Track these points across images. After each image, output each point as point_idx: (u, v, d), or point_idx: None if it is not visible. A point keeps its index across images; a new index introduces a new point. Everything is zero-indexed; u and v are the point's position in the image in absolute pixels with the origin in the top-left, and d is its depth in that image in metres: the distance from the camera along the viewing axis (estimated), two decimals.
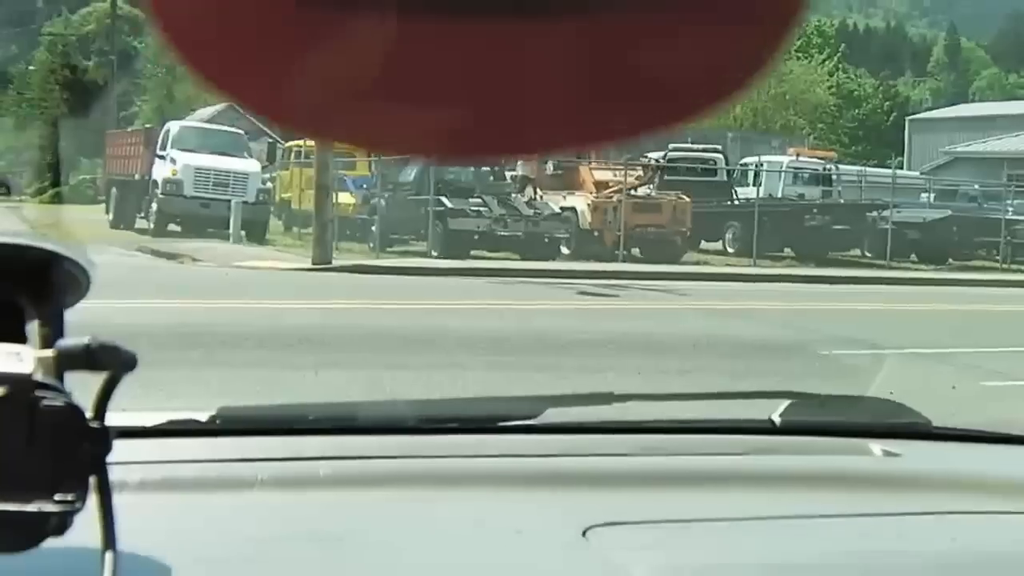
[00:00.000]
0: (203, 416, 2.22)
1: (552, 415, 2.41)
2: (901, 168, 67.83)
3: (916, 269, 36.26)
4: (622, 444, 2.38)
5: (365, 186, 37.32)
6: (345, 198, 34.16)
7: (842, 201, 41.91)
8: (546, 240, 32.24)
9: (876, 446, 2.40)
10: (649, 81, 0.62)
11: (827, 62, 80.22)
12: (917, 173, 53.15)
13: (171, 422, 2.21)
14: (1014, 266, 38.75)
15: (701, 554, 1.84)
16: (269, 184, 38.69)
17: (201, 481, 2.00)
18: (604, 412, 2.51)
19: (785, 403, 2.52)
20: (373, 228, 33.03)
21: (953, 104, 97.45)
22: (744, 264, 33.89)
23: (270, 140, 40.76)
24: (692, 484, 2.17)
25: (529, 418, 2.36)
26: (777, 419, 2.45)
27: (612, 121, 0.64)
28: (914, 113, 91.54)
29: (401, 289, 22.49)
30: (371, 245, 32.55)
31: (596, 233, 33.62)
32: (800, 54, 79.56)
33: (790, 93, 76.24)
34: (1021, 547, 2.00)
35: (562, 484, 2.11)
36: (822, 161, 46.20)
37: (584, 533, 1.80)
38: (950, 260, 38.93)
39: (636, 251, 33.93)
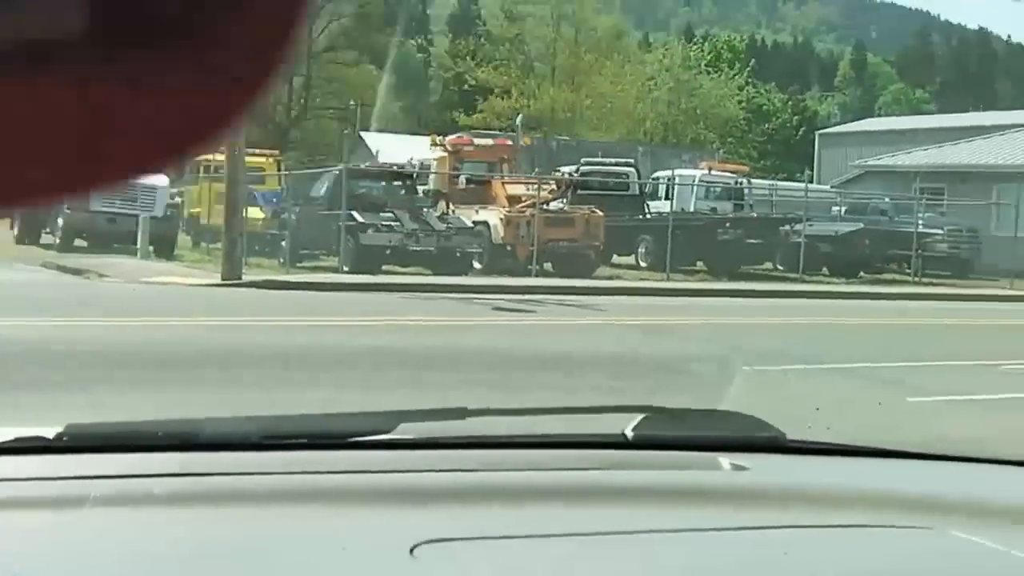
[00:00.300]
0: (50, 433, 2.22)
1: (405, 430, 2.42)
2: (811, 182, 68.39)
3: (829, 282, 36.38)
4: (472, 459, 2.38)
5: (275, 200, 36.98)
6: (255, 213, 33.73)
7: (755, 215, 41.91)
8: (458, 255, 31.99)
9: (725, 460, 2.43)
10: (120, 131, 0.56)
11: (737, 77, 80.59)
12: (828, 187, 53.27)
13: (17, 439, 2.21)
14: (924, 279, 38.94)
15: (528, 570, 1.84)
16: (178, 199, 38.15)
17: (40, 499, 2.00)
18: (457, 427, 2.52)
19: (639, 417, 2.53)
20: (283, 243, 32.64)
21: (861, 119, 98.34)
22: (657, 278, 33.78)
23: None
24: (538, 499, 2.16)
25: (380, 433, 2.38)
26: (630, 433, 2.47)
27: (93, 168, 0.58)
28: (823, 127, 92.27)
29: (311, 305, 22.27)
30: (281, 260, 32.16)
31: (509, 247, 33.40)
32: (710, 69, 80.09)
33: (700, 107, 76.80)
34: (848, 560, 1.99)
35: (398, 500, 2.11)
36: (734, 175, 46.23)
37: (412, 550, 1.80)
38: (862, 273, 39.08)
39: (548, 266, 33.68)
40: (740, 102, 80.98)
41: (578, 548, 1.93)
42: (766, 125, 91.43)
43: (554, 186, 35.81)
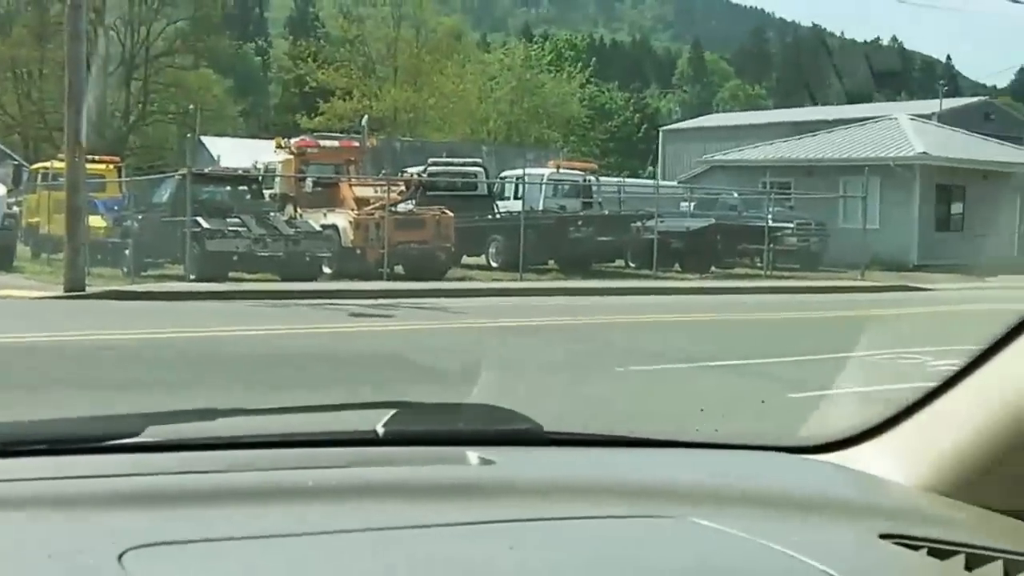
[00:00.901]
0: None
1: (151, 433, 2.35)
2: (654, 178, 68.62)
3: (682, 278, 36.24)
4: (217, 460, 2.29)
5: (116, 208, 35.91)
6: (96, 221, 32.62)
7: (606, 212, 41.70)
8: (307, 260, 31.22)
9: (473, 454, 2.40)
10: None
11: (578, 75, 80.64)
12: (675, 182, 53.33)
13: None
14: (775, 273, 39.04)
15: (249, 571, 1.80)
16: (16, 209, 36.84)
17: None
18: (206, 428, 2.45)
19: (390, 413, 2.49)
20: (126, 252, 31.63)
21: (700, 115, 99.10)
22: (510, 278, 33.36)
23: (15, 163, 39.05)
24: (280, 499, 2.10)
25: (125, 436, 2.32)
26: (380, 429, 2.45)
27: None
28: (664, 124, 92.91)
29: (157, 316, 21.49)
30: (124, 270, 31.16)
31: (359, 251, 32.68)
32: (551, 68, 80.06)
33: (543, 106, 76.69)
34: (579, 551, 1.98)
35: (124, 505, 2.01)
36: (582, 173, 45.94)
37: (120, 556, 1.73)
38: (713, 268, 39.07)
39: (399, 268, 33.04)
40: (582, 101, 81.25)
41: (308, 547, 1.89)
42: (608, 123, 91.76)
43: (403, 187, 35.10)
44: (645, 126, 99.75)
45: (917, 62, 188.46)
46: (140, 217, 32.09)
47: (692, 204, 46.12)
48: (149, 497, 2.06)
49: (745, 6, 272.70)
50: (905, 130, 51.33)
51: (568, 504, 2.17)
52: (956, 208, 48.88)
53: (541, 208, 39.96)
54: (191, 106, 73.56)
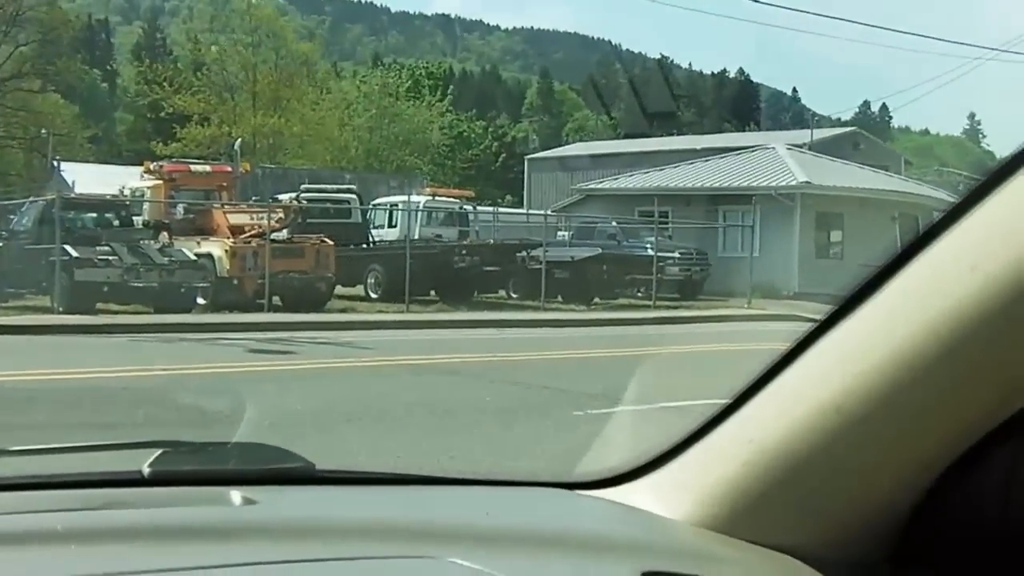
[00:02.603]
0: None
1: None
2: (516, 207, 67.86)
3: (570, 310, 35.18)
4: None
5: None
6: None
7: (491, 241, 40.41)
8: (183, 290, 29.54)
9: (237, 494, 2.36)
10: None
11: (438, 103, 79.75)
12: (548, 211, 52.24)
13: None
14: (659, 303, 38.10)
15: None
16: None
17: None
18: None
19: (157, 452, 2.40)
20: None
21: (553, 146, 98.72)
22: (396, 310, 32.01)
23: None
24: (34, 543, 2.01)
25: None
26: (147, 470, 2.37)
27: None
28: (521, 153, 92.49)
29: (30, 352, 19.78)
30: None
31: (235, 281, 31.05)
32: (410, 95, 79.07)
33: (403, 134, 75.52)
34: None
35: None
36: (458, 201, 44.70)
37: None
38: (596, 299, 38.05)
39: (276, 300, 31.39)
40: (442, 128, 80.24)
41: None
42: (469, 151, 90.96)
43: (281, 214, 33.45)
44: (504, 155, 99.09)
45: (764, 94, 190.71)
46: (1, 245, 30.19)
47: (570, 234, 45.09)
48: None
49: (593, 37, 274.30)
50: (784, 159, 50.95)
51: (328, 545, 2.11)
52: (836, 236, 48.67)
53: (416, 236, 38.46)
54: (43, 131, 71.29)
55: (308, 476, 2.56)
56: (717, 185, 49.52)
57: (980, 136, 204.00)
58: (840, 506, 2.14)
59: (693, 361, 20.22)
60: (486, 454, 10.71)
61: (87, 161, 73.05)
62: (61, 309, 27.82)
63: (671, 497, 2.38)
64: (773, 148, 53.55)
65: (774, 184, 47.48)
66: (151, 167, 35.70)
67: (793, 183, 47.30)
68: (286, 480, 2.54)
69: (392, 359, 19.44)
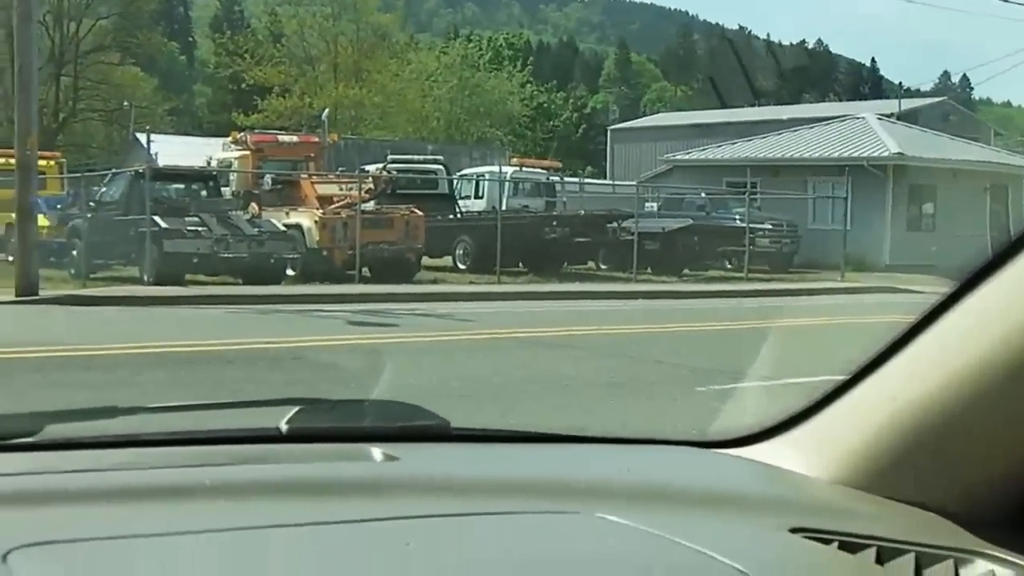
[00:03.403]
0: None
1: (50, 432, 2.30)
2: (596, 178, 67.24)
3: (661, 281, 34.51)
4: (116, 459, 2.26)
5: (59, 207, 33.76)
6: (39, 220, 30.34)
7: (582, 212, 39.80)
8: (272, 261, 29.15)
9: (377, 450, 2.36)
10: None
11: (519, 74, 79.30)
12: (633, 182, 51.63)
13: None
14: (751, 275, 37.40)
15: (138, 568, 1.78)
16: None
17: None
18: (107, 426, 2.36)
19: (294, 410, 2.42)
20: (74, 253, 29.65)
21: (630, 117, 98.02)
22: (487, 281, 31.54)
23: None
24: (178, 497, 2.04)
25: (23, 436, 2.29)
26: (284, 426, 2.41)
27: None
28: (603, 124, 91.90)
29: (132, 324, 19.54)
30: (72, 271, 29.15)
31: (325, 252, 30.66)
32: (492, 66, 78.65)
33: (483, 105, 75.02)
34: (476, 548, 1.97)
35: (15, 503, 1.97)
36: (545, 172, 44.15)
37: (5, 556, 1.71)
38: (686, 271, 37.44)
39: (366, 271, 30.96)
40: (522, 99, 79.69)
41: (205, 545, 1.83)
42: (549, 122, 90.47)
43: (371, 185, 33.03)
44: (584, 126, 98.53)
45: (843, 65, 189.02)
46: (89, 216, 29.94)
47: (658, 204, 44.46)
48: (40, 496, 1.99)
49: (670, 8, 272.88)
50: (875, 130, 49.99)
51: (472, 500, 2.12)
52: (928, 208, 47.78)
53: (503, 207, 37.98)
54: (124, 103, 71.38)
55: (445, 433, 2.58)
56: (807, 156, 48.66)
57: None
58: (978, 465, 2.13)
59: (805, 335, 19.57)
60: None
61: (167, 133, 73.25)
62: (150, 280, 27.54)
63: (810, 455, 2.39)
64: (863, 118, 52.57)
65: (865, 155, 46.55)
66: (238, 137, 35.43)
67: (885, 154, 46.37)
68: (423, 437, 2.57)
69: (495, 332, 18.94)
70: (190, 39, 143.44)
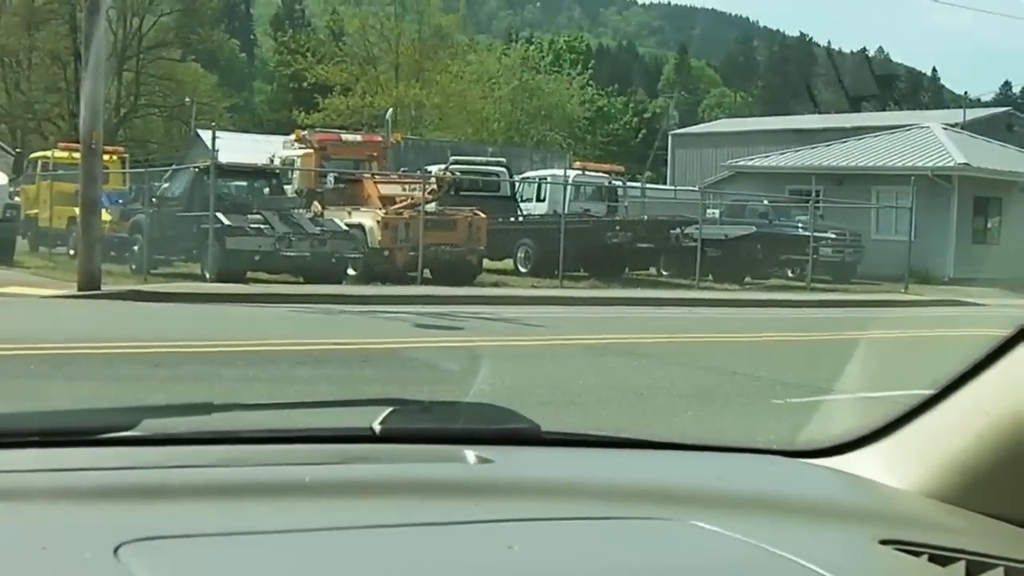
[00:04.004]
0: None
1: (147, 426, 2.30)
2: (654, 183, 66.94)
3: (724, 289, 34.20)
4: (213, 455, 2.26)
5: (121, 201, 33.80)
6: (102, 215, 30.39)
7: (645, 217, 39.53)
8: (333, 261, 29.01)
9: (471, 452, 2.37)
10: None
11: (579, 77, 79.09)
12: (695, 188, 51.37)
13: None
14: (814, 284, 37.03)
15: (243, 566, 1.79)
16: (17, 199, 34.48)
17: None
18: (202, 422, 2.41)
19: (388, 410, 2.44)
20: (135, 248, 29.61)
21: (692, 122, 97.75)
22: (549, 285, 31.33)
23: (17, 150, 36.80)
24: (275, 495, 2.05)
25: (121, 430, 2.28)
26: (377, 427, 2.42)
27: None
28: (663, 129, 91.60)
29: (197, 320, 19.61)
30: (133, 267, 29.20)
31: (386, 253, 30.47)
32: (552, 69, 78.52)
33: (544, 107, 74.91)
34: (576, 552, 1.96)
35: (120, 497, 1.99)
36: (607, 175, 43.87)
37: (116, 550, 1.73)
38: (747, 279, 37.12)
39: (427, 272, 30.76)
40: (582, 103, 79.45)
41: (304, 544, 1.85)
42: (609, 126, 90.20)
43: (435, 186, 32.85)
44: (643, 130, 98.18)
45: (903, 73, 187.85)
46: (151, 211, 29.90)
47: (720, 211, 44.12)
48: (144, 491, 2.02)
49: (731, 14, 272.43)
50: (941, 140, 49.52)
51: (567, 504, 2.13)
52: (992, 220, 47.31)
53: (565, 211, 37.73)
54: (186, 99, 71.77)
55: (536, 437, 2.58)
56: (871, 164, 48.20)
57: None
58: None
59: (879, 348, 19.22)
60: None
61: (227, 130, 73.57)
62: (211, 277, 27.45)
63: (898, 466, 2.39)
64: (928, 128, 52.14)
65: (930, 165, 46.11)
66: (302, 135, 35.34)
67: (951, 164, 45.97)
68: (515, 440, 2.56)
69: (565, 338, 18.64)
70: (251, 37, 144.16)
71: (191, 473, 2.13)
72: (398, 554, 1.86)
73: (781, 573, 1.91)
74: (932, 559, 2.03)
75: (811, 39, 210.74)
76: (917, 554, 2.04)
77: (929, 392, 2.30)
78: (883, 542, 2.06)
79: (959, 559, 2.01)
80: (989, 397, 2.20)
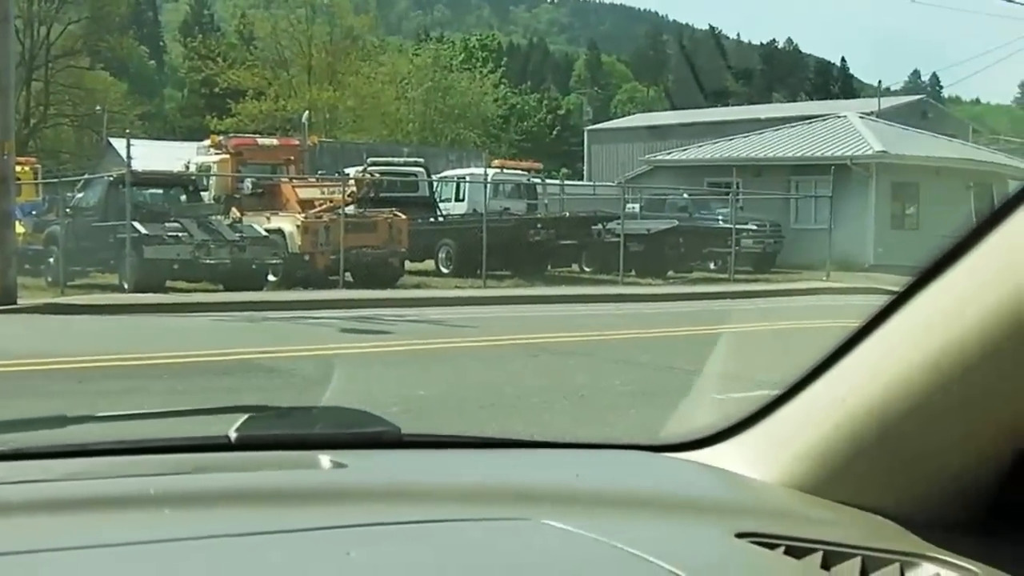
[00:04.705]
0: None
1: None
2: (569, 179, 66.86)
3: (648, 284, 34.09)
4: (64, 468, 2.23)
5: (34, 213, 33.18)
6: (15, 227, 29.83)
7: (567, 214, 39.30)
8: (254, 267, 28.61)
9: (325, 458, 2.34)
10: None
11: (492, 75, 78.97)
12: (613, 183, 51.25)
13: None
14: (736, 276, 37.03)
15: None
16: None
17: None
18: (55, 436, 2.37)
19: (244, 417, 2.42)
20: (51, 260, 29.09)
21: (604, 117, 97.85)
22: (472, 286, 31.12)
23: None
24: (126, 507, 2.01)
25: None
26: (233, 435, 2.39)
27: None
28: (576, 125, 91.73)
29: (117, 334, 19.01)
30: (49, 279, 28.59)
31: (307, 257, 30.12)
32: (464, 68, 78.34)
33: (457, 106, 74.74)
34: (419, 555, 1.94)
35: None
36: (525, 173, 43.68)
37: None
38: (671, 273, 37.04)
39: (349, 276, 30.40)
40: (496, 101, 79.36)
41: (148, 556, 1.80)
42: (523, 124, 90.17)
43: (353, 188, 32.45)
44: (558, 127, 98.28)
45: (812, 64, 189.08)
46: (65, 222, 29.38)
47: (640, 206, 44.01)
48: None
49: (639, 9, 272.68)
50: (858, 128, 49.76)
51: (418, 507, 2.11)
52: (910, 206, 47.50)
53: (484, 210, 37.48)
54: (97, 108, 70.85)
55: (395, 440, 2.56)
56: (789, 155, 48.35)
57: None
58: (930, 468, 2.12)
59: (803, 337, 19.12)
60: None
61: (138, 137, 72.81)
62: (130, 287, 27.03)
63: (759, 458, 2.37)
64: (845, 117, 52.39)
65: (848, 153, 46.35)
66: (217, 141, 34.86)
67: (869, 152, 46.17)
68: (373, 444, 2.55)
69: (497, 339, 18.43)
70: (160, 43, 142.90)
71: (36, 488, 2.08)
72: (235, 565, 1.82)
73: (626, 569, 1.90)
74: (788, 551, 2.03)
75: (720, 32, 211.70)
76: (773, 546, 2.03)
77: (791, 382, 2.23)
78: (740, 535, 2.05)
79: (816, 550, 2.01)
80: (845, 385, 2.14)
